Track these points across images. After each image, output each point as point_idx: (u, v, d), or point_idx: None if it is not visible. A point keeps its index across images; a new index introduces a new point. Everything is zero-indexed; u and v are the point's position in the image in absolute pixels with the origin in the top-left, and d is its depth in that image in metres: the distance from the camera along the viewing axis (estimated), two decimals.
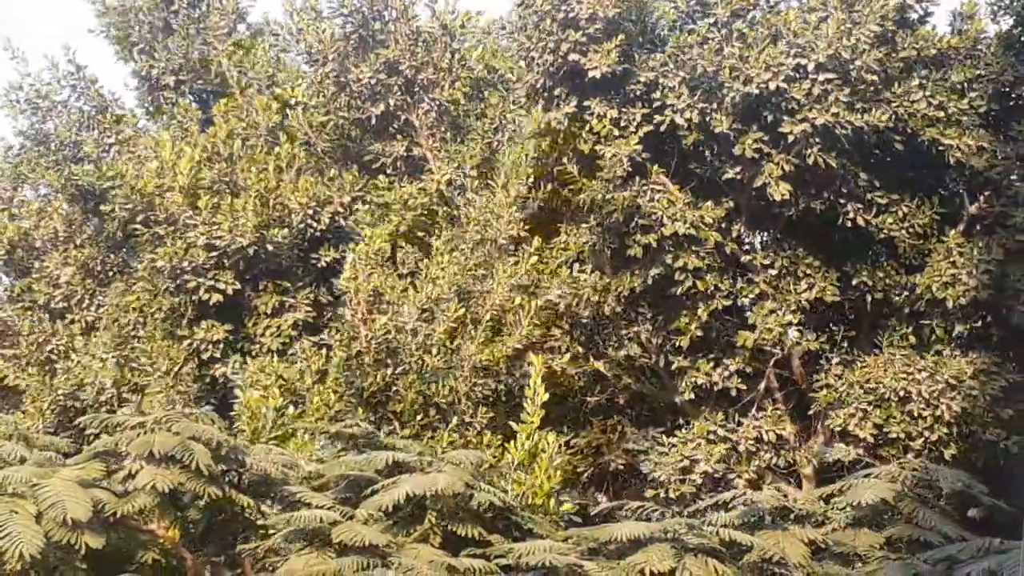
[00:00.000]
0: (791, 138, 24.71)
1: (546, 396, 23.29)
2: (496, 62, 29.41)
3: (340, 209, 27.25)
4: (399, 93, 28.78)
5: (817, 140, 24.77)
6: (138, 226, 26.96)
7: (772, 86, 24.56)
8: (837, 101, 24.58)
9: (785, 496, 22.39)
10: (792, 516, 21.79)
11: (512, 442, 23.07)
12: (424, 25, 29.16)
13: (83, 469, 17.42)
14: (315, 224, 27.11)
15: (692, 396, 26.39)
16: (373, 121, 28.94)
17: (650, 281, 25.80)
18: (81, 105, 31.66)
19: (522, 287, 25.42)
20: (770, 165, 24.96)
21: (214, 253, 26.12)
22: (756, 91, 24.65)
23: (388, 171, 28.67)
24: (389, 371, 24.35)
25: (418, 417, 24.36)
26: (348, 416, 23.30)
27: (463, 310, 24.72)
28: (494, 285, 25.03)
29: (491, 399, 25.18)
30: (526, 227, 26.61)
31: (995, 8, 26.89)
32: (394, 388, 24.41)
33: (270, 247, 26.42)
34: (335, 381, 24.20)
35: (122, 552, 17.44)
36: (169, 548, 17.96)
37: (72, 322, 28.60)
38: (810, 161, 24.76)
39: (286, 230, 26.67)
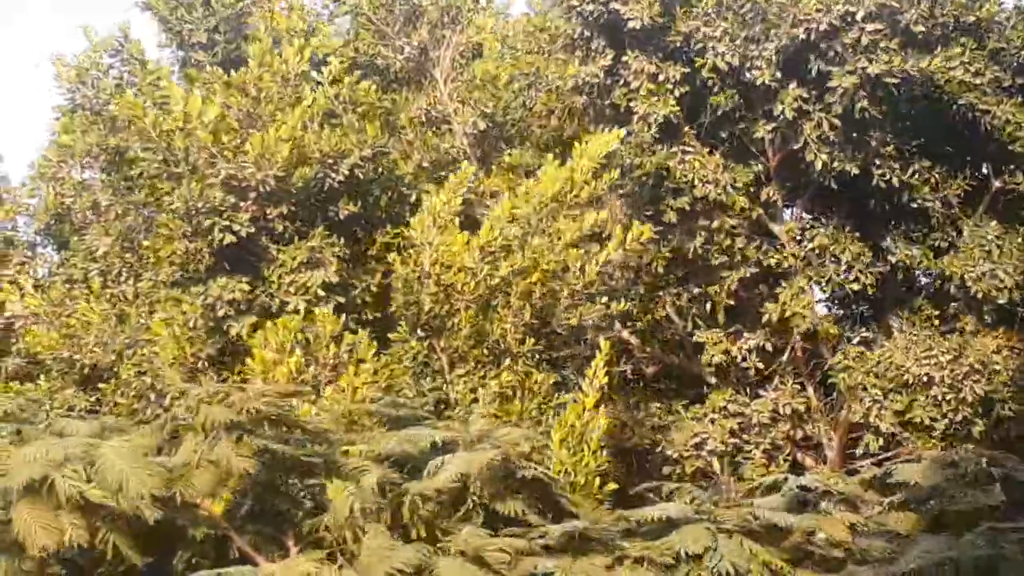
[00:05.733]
0: (840, 90, 24.08)
1: (604, 379, 22.86)
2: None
3: (359, 162, 26.26)
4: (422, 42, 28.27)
5: (864, 93, 24.20)
6: (156, 166, 25.89)
7: (821, 28, 23.90)
8: (887, 50, 23.99)
9: (827, 478, 22.18)
10: (834, 500, 21.57)
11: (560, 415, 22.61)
12: None
13: (135, 440, 16.66)
14: (334, 175, 26.05)
15: (714, 371, 25.96)
16: (397, 66, 28.35)
17: (695, 250, 25.36)
18: (123, 72, 30.50)
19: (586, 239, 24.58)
20: (809, 124, 24.39)
21: (231, 195, 24.94)
22: (803, 35, 24.01)
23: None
24: (446, 307, 23.70)
25: (473, 351, 23.71)
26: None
27: (522, 259, 23.87)
28: (554, 240, 24.17)
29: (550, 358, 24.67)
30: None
31: None
32: (450, 323, 23.75)
33: (294, 188, 25.44)
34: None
35: (173, 527, 16.77)
36: (214, 524, 17.30)
37: (110, 297, 27.35)
38: (857, 115, 24.19)
39: (308, 171, 25.69)
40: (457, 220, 24.18)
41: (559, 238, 23.91)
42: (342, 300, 24.94)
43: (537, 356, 23.96)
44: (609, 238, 24.36)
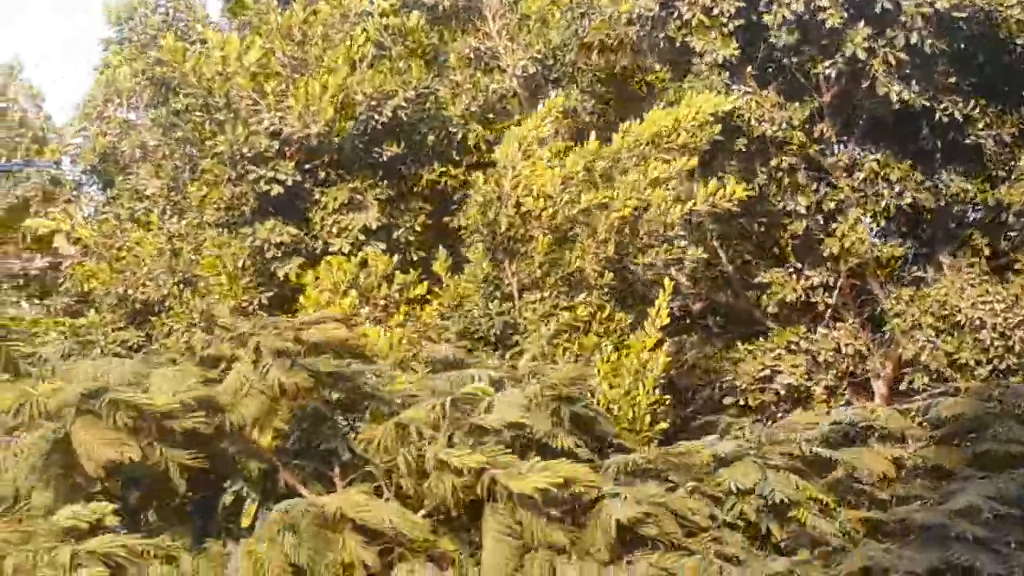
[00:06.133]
0: (907, 24, 23.79)
1: (667, 320, 22.73)
2: None
3: (403, 104, 26.06)
4: None
5: (931, 29, 23.94)
6: (198, 114, 25.92)
7: None
8: None
9: (871, 413, 22.17)
10: (876, 434, 21.55)
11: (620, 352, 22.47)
12: None
13: (185, 368, 16.74)
14: (377, 117, 25.83)
15: (776, 309, 25.98)
16: (446, 3, 28.12)
17: (758, 189, 25.18)
18: (169, 8, 30.65)
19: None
20: (876, 60, 24.09)
21: (276, 141, 24.92)
22: None
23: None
24: (522, 231, 23.46)
25: (547, 279, 23.43)
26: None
27: (610, 194, 23.55)
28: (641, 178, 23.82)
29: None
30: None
31: None
32: (525, 248, 23.49)
33: (336, 139, 25.36)
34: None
35: (221, 462, 16.83)
36: (262, 456, 17.34)
37: (159, 227, 27.26)
38: (928, 50, 23.96)
39: (351, 122, 25.54)
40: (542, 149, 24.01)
41: (646, 176, 23.65)
42: (383, 245, 24.98)
43: (610, 291, 23.76)
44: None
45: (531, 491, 16.25)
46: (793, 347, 25.58)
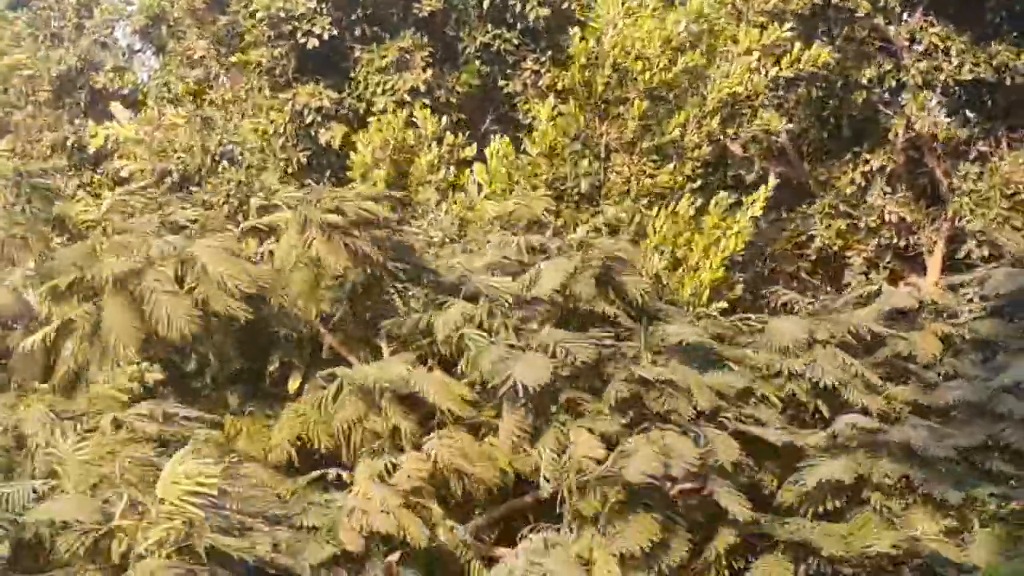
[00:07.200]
0: None
1: (760, 211, 22.64)
2: None
3: None
4: None
5: None
6: None
7: None
8: None
9: (919, 291, 21.93)
10: (926, 311, 21.31)
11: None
12: None
13: (228, 240, 16.75)
14: None
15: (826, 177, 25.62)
16: None
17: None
18: None
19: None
20: None
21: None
22: None
23: None
24: (618, 92, 23.01)
25: (641, 143, 23.03)
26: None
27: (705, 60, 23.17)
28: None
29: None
30: None
31: None
32: (619, 110, 23.07)
33: None
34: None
35: (267, 329, 16.93)
36: (308, 325, 17.42)
37: (209, 102, 27.27)
38: None
39: None
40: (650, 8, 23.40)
41: (735, 42, 23.29)
42: (427, 103, 24.88)
43: (704, 165, 23.50)
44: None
45: None
46: (831, 210, 25.23)
